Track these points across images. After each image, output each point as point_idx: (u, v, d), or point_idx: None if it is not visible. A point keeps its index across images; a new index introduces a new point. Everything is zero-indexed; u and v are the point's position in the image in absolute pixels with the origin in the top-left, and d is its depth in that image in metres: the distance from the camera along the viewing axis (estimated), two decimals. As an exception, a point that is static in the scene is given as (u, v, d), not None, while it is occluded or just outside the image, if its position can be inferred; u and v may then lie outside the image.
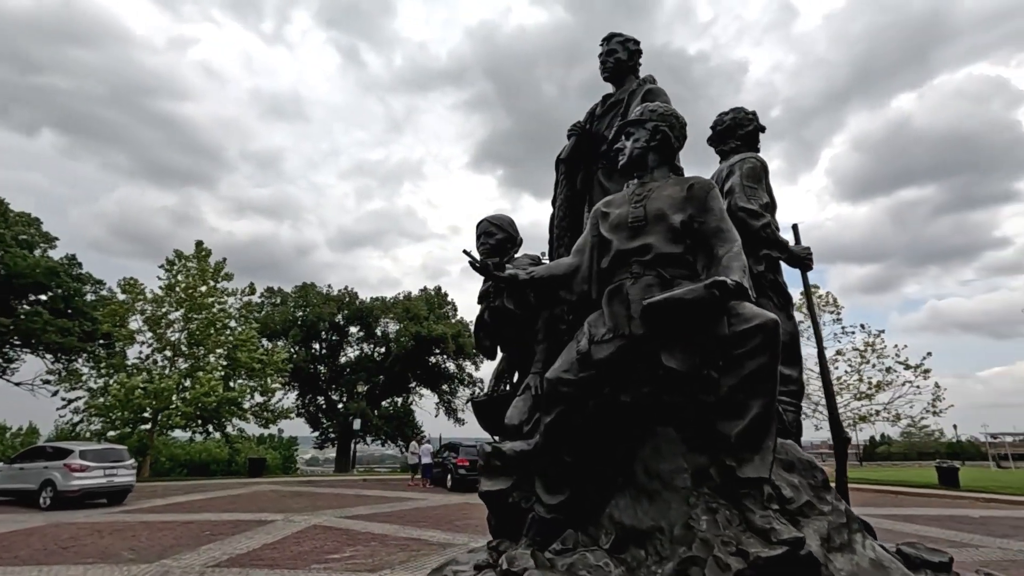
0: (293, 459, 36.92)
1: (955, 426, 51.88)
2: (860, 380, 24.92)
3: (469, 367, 39.30)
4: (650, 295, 2.70)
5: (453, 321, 38.57)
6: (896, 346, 25.08)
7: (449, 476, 19.78)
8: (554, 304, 3.42)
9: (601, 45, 4.43)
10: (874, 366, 24.93)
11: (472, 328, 3.90)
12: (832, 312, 25.80)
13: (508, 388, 3.84)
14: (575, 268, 3.13)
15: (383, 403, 38.87)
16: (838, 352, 25.42)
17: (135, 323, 25.24)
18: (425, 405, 41.30)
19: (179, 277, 25.53)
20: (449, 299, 40.37)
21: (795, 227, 3.88)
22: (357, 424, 31.41)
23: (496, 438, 3.67)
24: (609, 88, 4.42)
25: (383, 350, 38.78)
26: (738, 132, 4.13)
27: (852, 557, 2.22)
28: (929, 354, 24.45)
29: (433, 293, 40.17)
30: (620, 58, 4.29)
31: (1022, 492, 17.58)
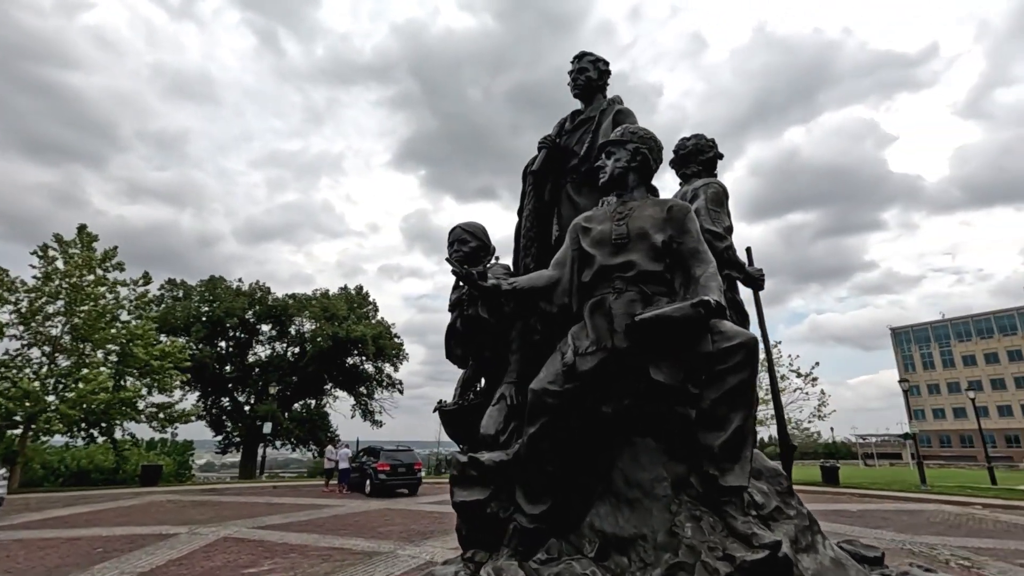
0: (188, 465, 33.90)
1: (832, 428, 58.33)
2: (759, 387, 27.24)
3: (388, 369, 38.40)
4: (633, 310, 2.81)
5: (374, 322, 37.43)
6: (789, 356, 27.77)
7: (368, 481, 19.16)
8: (530, 314, 3.44)
9: (572, 63, 4.54)
10: (772, 374, 27.36)
11: (444, 335, 3.82)
12: (737, 324, 28.06)
13: (474, 397, 3.81)
14: (556, 280, 3.18)
15: (295, 405, 36.92)
16: None
17: (3, 315, 22.10)
18: (340, 407, 39.65)
19: (58, 264, 22.68)
20: (371, 299, 39.20)
21: (748, 250, 4.19)
22: (268, 427, 29.51)
23: (463, 447, 3.63)
24: (577, 104, 4.55)
25: (297, 350, 36.85)
26: (699, 157, 4.39)
27: (816, 556, 2.46)
28: (817, 363, 27.43)
29: (354, 293, 38.79)
30: (590, 76, 4.43)
31: (888, 487, 20.07)
